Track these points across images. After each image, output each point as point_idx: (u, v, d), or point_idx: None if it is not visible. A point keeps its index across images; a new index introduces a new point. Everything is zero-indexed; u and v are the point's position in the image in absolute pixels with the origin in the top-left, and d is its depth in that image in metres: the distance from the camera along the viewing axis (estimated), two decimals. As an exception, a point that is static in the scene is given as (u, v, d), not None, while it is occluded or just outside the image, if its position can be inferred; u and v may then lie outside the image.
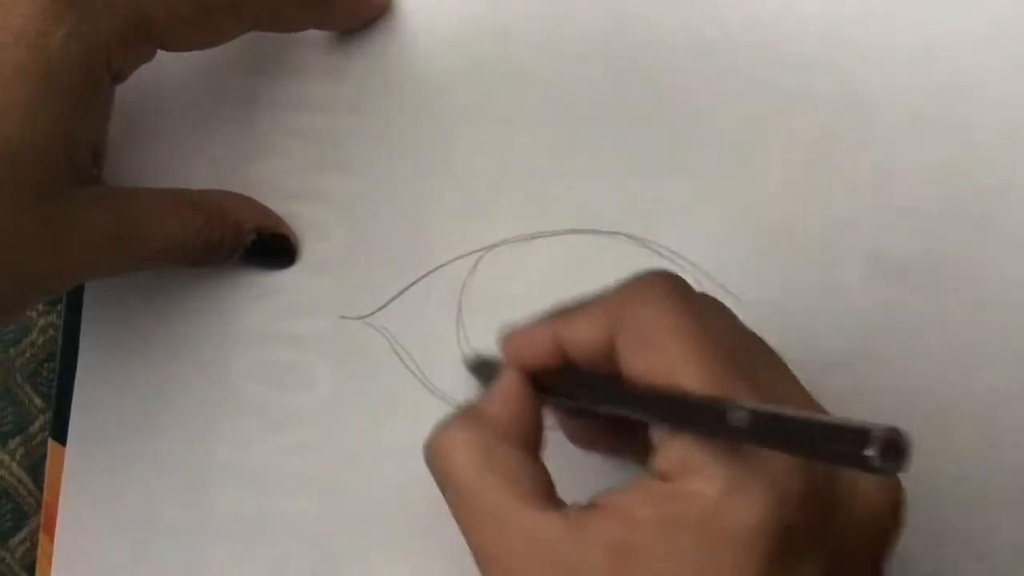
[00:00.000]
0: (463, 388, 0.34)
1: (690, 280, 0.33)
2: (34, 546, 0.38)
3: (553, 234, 0.34)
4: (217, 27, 0.32)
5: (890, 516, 0.24)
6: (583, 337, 0.26)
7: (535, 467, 0.25)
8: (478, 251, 0.35)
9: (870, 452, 0.18)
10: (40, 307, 0.39)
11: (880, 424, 0.18)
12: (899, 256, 0.33)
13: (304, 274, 0.35)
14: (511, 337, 0.28)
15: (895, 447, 0.18)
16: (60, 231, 0.29)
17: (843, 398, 0.31)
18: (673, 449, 0.23)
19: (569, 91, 0.35)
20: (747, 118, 0.34)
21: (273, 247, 0.35)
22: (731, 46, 0.34)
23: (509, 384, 0.27)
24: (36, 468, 0.38)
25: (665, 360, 0.24)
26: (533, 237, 0.34)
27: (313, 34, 0.36)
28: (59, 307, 0.38)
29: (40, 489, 0.37)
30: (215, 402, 0.35)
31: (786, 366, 0.25)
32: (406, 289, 0.35)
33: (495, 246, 0.35)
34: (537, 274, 0.34)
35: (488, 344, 0.34)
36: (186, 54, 0.32)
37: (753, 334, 0.26)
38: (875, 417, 0.30)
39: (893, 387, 0.32)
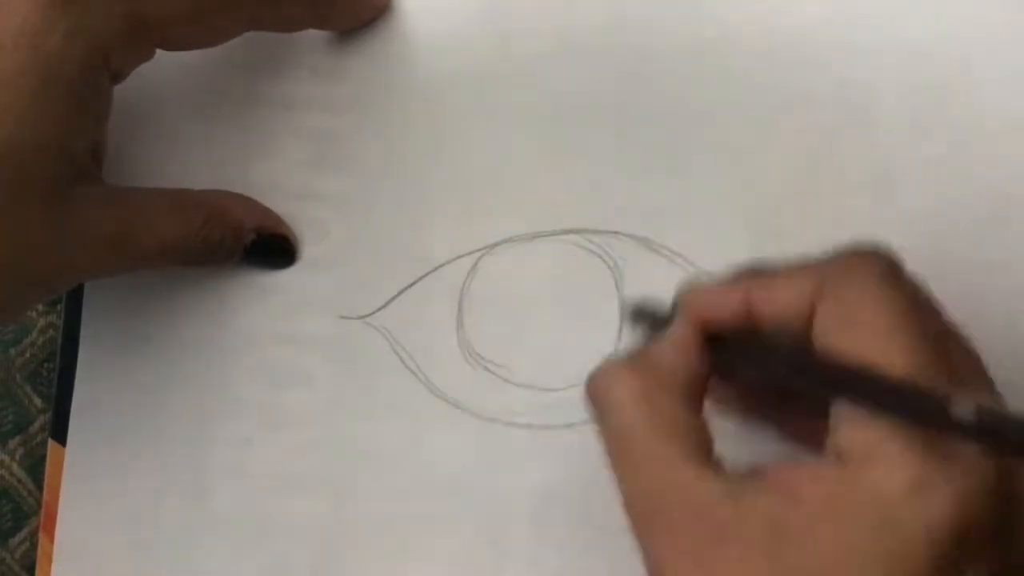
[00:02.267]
0: (463, 388, 0.34)
1: (690, 280, 0.33)
2: (34, 546, 0.38)
3: (553, 234, 0.34)
4: (216, 26, 0.32)
5: None
6: (782, 301, 0.24)
7: (699, 422, 0.24)
8: (478, 251, 0.35)
9: None
10: (40, 307, 0.39)
11: None
12: (899, 256, 0.33)
13: (304, 274, 0.35)
14: (696, 291, 0.26)
15: None
16: (60, 231, 0.29)
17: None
18: (858, 431, 0.22)
19: (569, 91, 0.35)
20: (747, 118, 0.34)
21: (273, 247, 0.35)
22: (731, 46, 0.34)
23: (684, 334, 0.25)
24: (36, 468, 0.38)
25: (873, 341, 0.22)
26: (533, 237, 0.34)
27: (313, 34, 0.36)
28: (59, 307, 0.38)
29: (40, 489, 0.37)
30: (215, 402, 0.35)
31: (981, 360, 0.24)
32: (406, 289, 0.35)
33: (495, 246, 0.35)
34: (537, 274, 0.34)
35: (485, 341, 0.34)
36: (186, 54, 0.32)
37: (955, 325, 0.25)
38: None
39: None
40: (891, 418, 0.22)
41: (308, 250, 0.35)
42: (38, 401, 0.39)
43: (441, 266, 0.35)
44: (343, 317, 0.35)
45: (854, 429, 0.22)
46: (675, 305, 0.26)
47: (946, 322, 0.25)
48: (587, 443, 0.33)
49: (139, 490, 0.35)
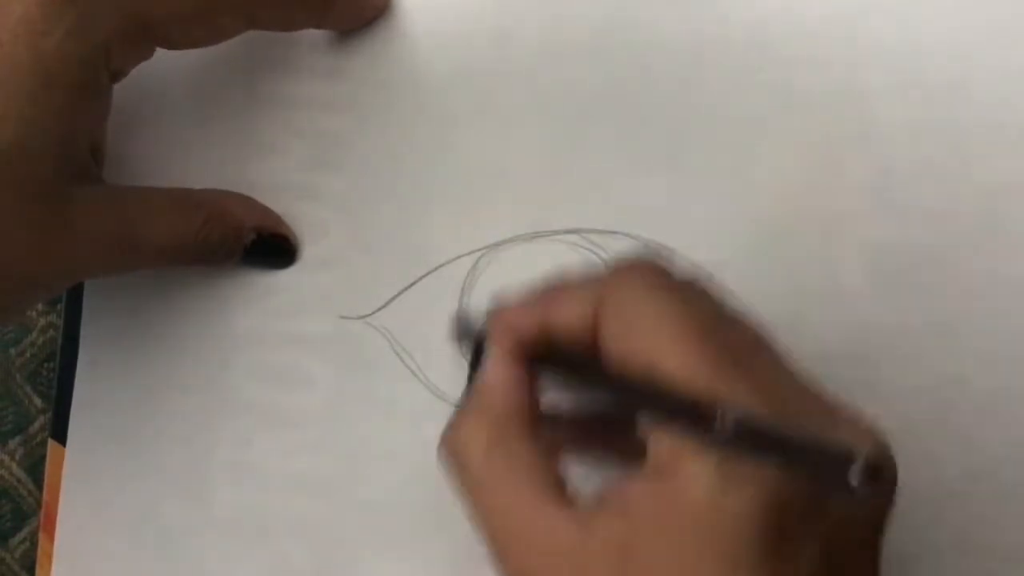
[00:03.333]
0: (463, 387, 0.34)
1: (690, 280, 0.33)
2: (34, 546, 0.38)
3: (553, 234, 0.34)
4: (216, 25, 0.32)
5: (875, 516, 0.24)
6: (567, 316, 0.25)
7: (543, 457, 0.25)
8: (478, 251, 0.35)
9: (852, 479, 0.18)
10: (40, 307, 0.39)
11: (864, 447, 0.18)
12: (899, 256, 0.33)
13: (304, 274, 0.35)
14: (504, 310, 0.27)
15: (878, 471, 0.18)
16: (60, 230, 0.29)
17: (842, 398, 0.31)
18: (663, 440, 0.23)
19: (569, 91, 0.35)
20: (747, 118, 0.34)
21: (273, 247, 0.35)
22: (731, 46, 0.34)
23: (502, 361, 0.26)
24: (36, 468, 0.38)
25: (647, 347, 0.23)
26: (533, 237, 0.34)
27: (313, 34, 0.36)
28: (59, 307, 0.38)
29: (40, 489, 0.37)
30: (215, 402, 0.35)
31: (785, 356, 0.25)
32: (406, 289, 0.35)
33: (495, 246, 0.35)
34: (537, 274, 0.34)
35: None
36: (185, 54, 0.32)
37: (747, 323, 0.25)
38: (875, 416, 0.30)
39: (892, 386, 0.32)
40: (671, 427, 0.23)
41: (308, 250, 0.35)
42: (38, 401, 0.39)
43: (441, 266, 0.35)
44: (343, 317, 0.35)
45: (659, 438, 0.23)
46: (488, 323, 0.27)
47: (733, 321, 0.25)
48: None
49: (139, 490, 0.35)
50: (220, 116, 0.36)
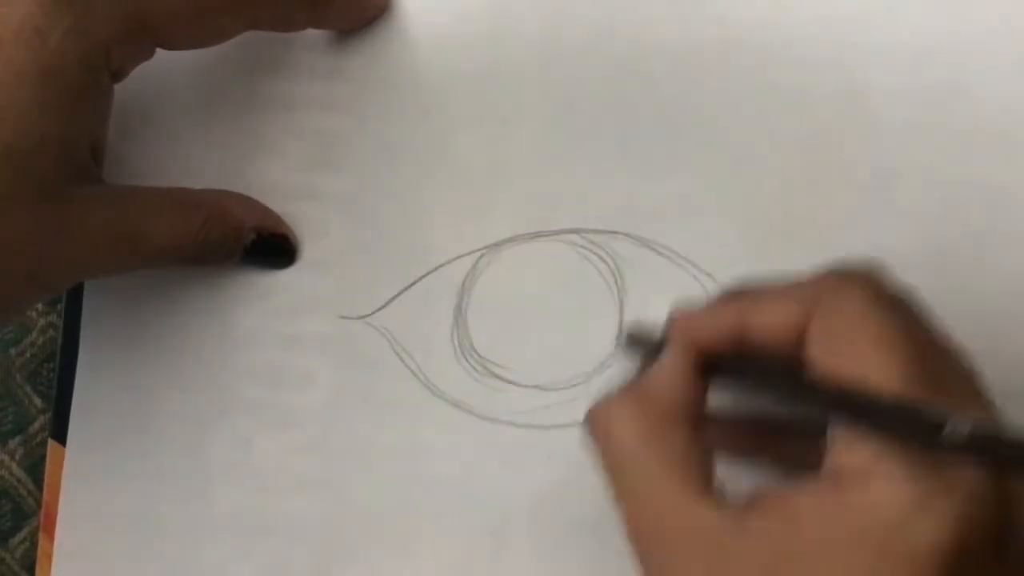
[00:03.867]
0: (463, 388, 0.34)
1: (690, 280, 0.33)
2: (34, 546, 0.38)
3: (553, 234, 0.34)
4: (216, 26, 0.32)
5: None
6: (773, 322, 0.24)
7: (698, 451, 0.25)
8: (478, 251, 0.35)
9: None
10: (40, 307, 0.39)
11: None
12: (899, 256, 0.33)
13: (304, 274, 0.35)
14: (688, 315, 0.26)
15: None
16: (60, 230, 0.29)
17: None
18: (855, 452, 0.22)
19: (569, 91, 0.35)
20: (747, 118, 0.34)
21: (273, 247, 0.35)
22: (731, 46, 0.34)
23: (678, 362, 0.25)
24: (36, 468, 0.38)
25: (865, 359, 0.23)
26: (533, 237, 0.34)
27: (312, 34, 0.36)
28: (59, 307, 0.38)
29: (40, 489, 0.37)
30: (215, 402, 0.35)
31: (977, 375, 0.24)
32: (406, 289, 0.35)
33: (495, 246, 0.35)
34: (537, 274, 0.34)
35: (485, 341, 0.34)
36: (185, 54, 0.32)
37: (948, 339, 0.25)
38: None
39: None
40: (886, 437, 0.22)
41: (308, 250, 0.35)
42: (38, 401, 0.39)
43: (441, 266, 0.35)
44: (343, 317, 0.35)
45: (850, 449, 0.22)
46: (667, 330, 0.26)
47: (941, 339, 0.25)
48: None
49: (139, 490, 0.35)
50: (220, 116, 0.36)
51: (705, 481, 0.24)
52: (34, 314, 0.39)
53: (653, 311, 0.33)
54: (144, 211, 0.32)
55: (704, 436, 0.25)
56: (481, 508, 0.34)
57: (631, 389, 0.26)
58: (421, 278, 0.35)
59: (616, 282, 0.34)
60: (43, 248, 0.29)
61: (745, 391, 0.26)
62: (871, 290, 0.24)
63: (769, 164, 0.34)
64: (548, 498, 0.33)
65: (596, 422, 0.26)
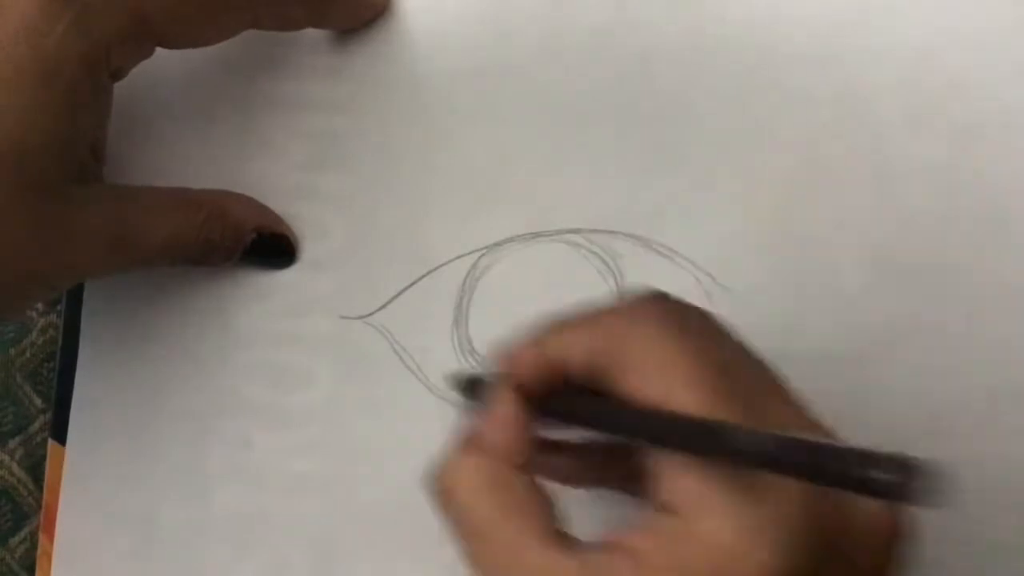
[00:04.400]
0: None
1: (690, 280, 0.33)
2: (34, 546, 0.38)
3: (553, 234, 0.34)
4: (216, 25, 0.32)
5: (892, 532, 0.24)
6: (572, 353, 0.25)
7: (543, 498, 0.25)
8: (478, 251, 0.35)
9: (878, 473, 0.18)
10: (40, 307, 0.39)
11: (902, 454, 0.18)
12: (899, 256, 0.33)
13: (304, 274, 0.35)
14: (503, 353, 0.27)
15: (918, 474, 0.18)
16: (60, 229, 0.29)
17: (843, 398, 0.31)
18: (679, 480, 0.23)
19: (569, 91, 0.35)
20: (747, 118, 0.34)
21: (273, 247, 0.35)
22: (731, 45, 0.34)
23: (507, 407, 0.26)
24: (36, 468, 0.38)
25: (660, 384, 0.23)
26: (533, 237, 0.34)
27: (312, 34, 0.36)
28: (59, 307, 0.38)
29: (40, 489, 0.37)
30: (215, 402, 0.35)
31: (785, 388, 0.25)
32: (406, 289, 0.35)
33: (495, 246, 0.35)
34: (537, 273, 0.34)
35: (485, 341, 0.34)
36: (185, 53, 0.32)
37: (749, 353, 0.25)
38: (874, 417, 0.30)
39: (893, 387, 0.32)
40: (692, 456, 0.22)
41: (308, 250, 0.35)
42: (38, 401, 0.39)
43: (441, 266, 0.35)
44: (343, 317, 0.35)
45: (673, 478, 0.23)
46: (490, 376, 0.27)
47: (740, 353, 0.25)
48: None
49: (139, 490, 0.35)
50: (220, 116, 0.36)
51: (554, 527, 0.24)
52: (34, 314, 0.39)
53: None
54: (144, 211, 0.32)
55: (543, 476, 0.26)
56: (481, 508, 0.34)
57: (466, 443, 0.26)
58: (421, 278, 0.35)
59: (616, 282, 0.34)
60: (43, 248, 0.29)
61: (573, 424, 0.26)
62: (661, 314, 0.24)
63: (769, 164, 0.34)
64: (548, 498, 0.33)
65: (440, 484, 0.26)
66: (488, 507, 0.25)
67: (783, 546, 0.22)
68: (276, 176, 0.36)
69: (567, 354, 0.25)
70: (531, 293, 0.34)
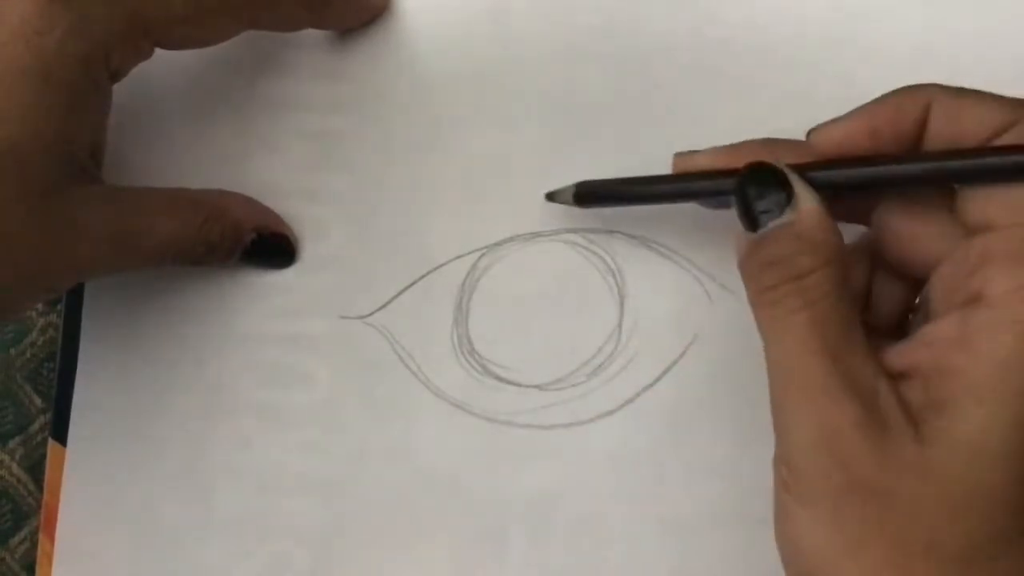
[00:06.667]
0: (463, 387, 0.34)
1: (690, 279, 0.33)
2: (34, 546, 0.38)
3: (553, 234, 0.34)
4: (215, 25, 0.32)
5: None
6: (903, 114, 0.27)
7: (869, 362, 0.25)
8: (478, 250, 0.35)
9: None
10: (40, 307, 0.39)
11: None
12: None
13: (304, 274, 0.35)
14: (824, 132, 0.28)
15: None
16: (59, 230, 0.29)
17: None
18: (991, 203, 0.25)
19: (569, 91, 0.35)
20: (747, 118, 0.34)
21: (273, 247, 0.35)
22: (731, 46, 0.34)
23: (812, 207, 0.26)
24: (36, 468, 0.38)
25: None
26: (533, 237, 0.34)
27: (312, 34, 0.36)
28: (59, 307, 0.38)
29: (40, 489, 0.37)
30: (215, 402, 0.35)
31: None
32: (406, 289, 0.35)
33: (495, 246, 0.35)
34: (537, 273, 0.34)
35: (485, 341, 0.34)
36: (185, 54, 0.32)
37: None
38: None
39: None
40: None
41: (308, 250, 0.35)
42: (38, 401, 0.39)
43: (441, 266, 0.35)
44: (343, 317, 0.35)
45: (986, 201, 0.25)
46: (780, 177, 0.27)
47: None
48: (587, 443, 0.33)
49: (139, 490, 0.35)
50: (220, 116, 0.36)
51: (872, 406, 0.24)
52: (34, 314, 0.39)
53: (653, 311, 0.34)
54: (144, 211, 0.32)
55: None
56: (481, 508, 0.34)
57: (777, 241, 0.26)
58: (421, 278, 0.35)
59: (616, 282, 0.34)
60: (43, 248, 0.29)
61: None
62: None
63: (769, 164, 0.34)
64: (548, 498, 0.33)
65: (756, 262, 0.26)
66: (816, 371, 0.25)
67: None
68: (276, 176, 0.36)
69: (896, 114, 0.27)
70: (531, 293, 0.34)
